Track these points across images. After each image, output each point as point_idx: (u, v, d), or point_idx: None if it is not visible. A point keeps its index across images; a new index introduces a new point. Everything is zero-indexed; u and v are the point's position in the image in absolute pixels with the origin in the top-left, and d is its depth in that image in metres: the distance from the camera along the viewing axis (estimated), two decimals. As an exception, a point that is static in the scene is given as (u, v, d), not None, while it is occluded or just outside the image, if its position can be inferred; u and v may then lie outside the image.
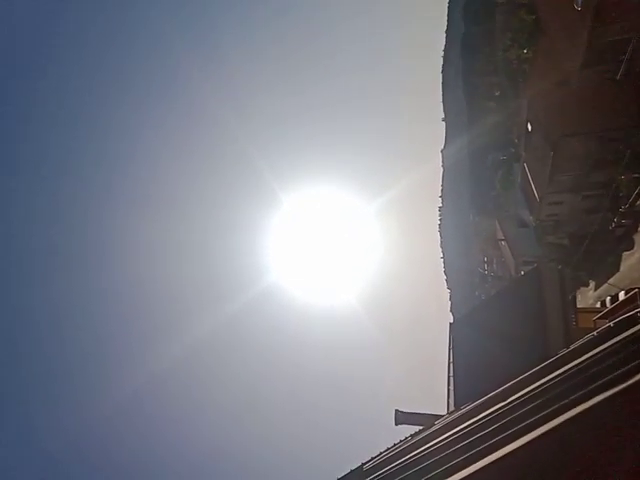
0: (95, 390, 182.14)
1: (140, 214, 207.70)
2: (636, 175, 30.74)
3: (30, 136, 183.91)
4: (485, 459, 2.02)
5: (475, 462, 2.08)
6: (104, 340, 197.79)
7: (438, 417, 15.92)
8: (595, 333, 6.25)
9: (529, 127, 38.86)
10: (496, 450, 2.04)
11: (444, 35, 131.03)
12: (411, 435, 11.91)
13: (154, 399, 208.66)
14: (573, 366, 3.85)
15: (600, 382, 2.16)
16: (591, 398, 1.91)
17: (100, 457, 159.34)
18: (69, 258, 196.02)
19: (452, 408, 17.86)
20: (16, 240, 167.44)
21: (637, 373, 1.91)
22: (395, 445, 10.83)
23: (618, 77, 28.54)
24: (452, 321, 22.90)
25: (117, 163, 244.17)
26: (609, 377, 2.14)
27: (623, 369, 2.15)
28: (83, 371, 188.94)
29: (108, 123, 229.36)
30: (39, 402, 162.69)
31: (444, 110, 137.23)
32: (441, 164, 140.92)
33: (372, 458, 10.36)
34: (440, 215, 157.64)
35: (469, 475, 2.02)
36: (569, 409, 1.95)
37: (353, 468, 10.24)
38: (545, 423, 1.96)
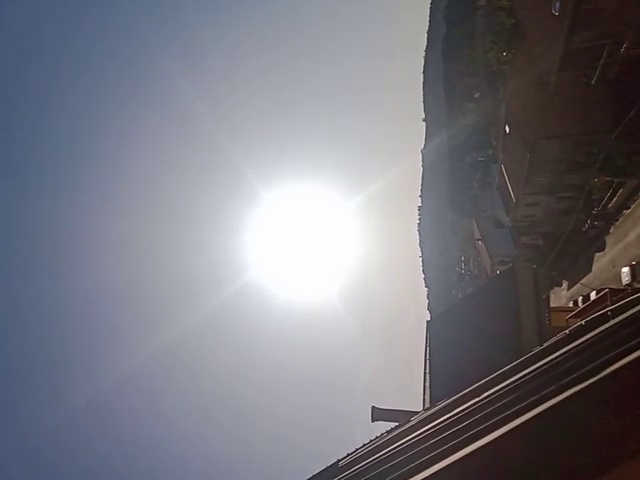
0: (66, 389, 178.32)
1: (116, 211, 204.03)
2: (609, 178, 31.54)
3: (15, 138, 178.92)
4: (457, 453, 2.04)
5: (448, 457, 2.10)
6: (79, 337, 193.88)
7: (414, 413, 16.07)
8: (567, 331, 6.37)
9: (507, 129, 39.48)
10: (468, 445, 2.06)
11: (426, 36, 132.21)
12: (387, 431, 11.99)
13: (129, 397, 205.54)
14: (545, 363, 3.92)
15: (571, 377, 2.20)
16: (562, 393, 1.94)
17: (73, 457, 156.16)
18: (44, 255, 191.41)
19: (428, 404, 18.06)
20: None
21: (606, 368, 1.94)
22: (371, 441, 10.89)
23: (593, 82, 29.19)
24: (429, 319, 23.15)
25: (91, 161, 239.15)
26: (579, 372, 2.18)
27: (593, 364, 2.19)
28: (54, 369, 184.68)
29: (87, 120, 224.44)
30: (5, 401, 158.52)
31: (424, 110, 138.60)
32: (421, 164, 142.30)
33: (348, 454, 10.40)
34: (419, 214, 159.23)
35: (441, 469, 2.03)
36: (540, 404, 1.98)
37: (329, 464, 10.26)
38: (516, 418, 1.99)
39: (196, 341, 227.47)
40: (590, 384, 1.85)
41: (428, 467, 2.23)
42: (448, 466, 1.97)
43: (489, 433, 2.03)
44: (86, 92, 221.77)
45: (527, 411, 1.97)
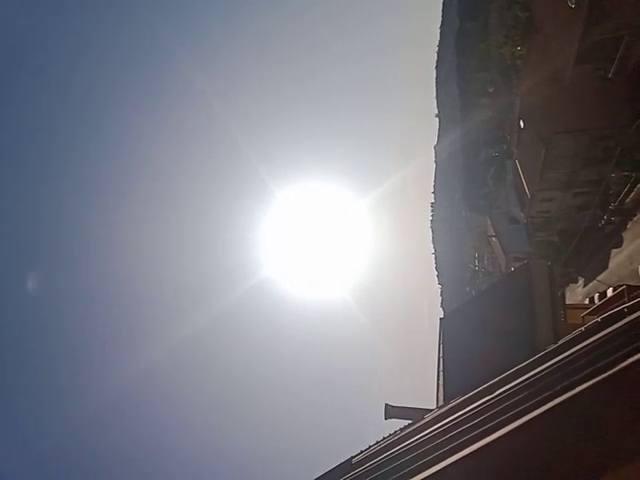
0: (80, 389, 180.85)
1: (130, 209, 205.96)
2: (626, 173, 31.02)
3: (15, 133, 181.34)
4: (468, 449, 2.04)
5: (458, 452, 2.10)
6: (93, 337, 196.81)
7: (427, 411, 16.02)
8: (583, 329, 6.29)
9: (521, 124, 39.06)
10: (480, 440, 2.06)
11: (439, 31, 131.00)
12: (400, 429, 11.99)
13: (144, 396, 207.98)
14: (560, 360, 3.88)
15: (584, 374, 2.18)
16: (574, 388, 1.93)
17: (85, 457, 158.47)
18: (54, 254, 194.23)
19: (441, 402, 17.99)
20: None
21: (620, 363, 1.92)
22: (384, 438, 10.90)
23: (610, 75, 28.71)
24: (443, 316, 23.01)
25: (104, 157, 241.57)
26: (593, 368, 2.16)
27: (606, 360, 2.17)
28: (68, 369, 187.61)
29: (94, 115, 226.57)
30: (21, 402, 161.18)
31: (438, 106, 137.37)
32: (434, 160, 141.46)
33: (361, 451, 10.43)
34: (432, 211, 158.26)
35: (451, 464, 2.03)
36: (552, 399, 1.97)
37: (342, 461, 10.30)
38: (528, 413, 1.98)
39: (210, 339, 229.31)
40: (602, 379, 1.84)
41: (438, 463, 2.23)
42: (459, 460, 1.98)
43: (499, 429, 2.03)
44: (101, 88, 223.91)
45: (537, 408, 1.96)
